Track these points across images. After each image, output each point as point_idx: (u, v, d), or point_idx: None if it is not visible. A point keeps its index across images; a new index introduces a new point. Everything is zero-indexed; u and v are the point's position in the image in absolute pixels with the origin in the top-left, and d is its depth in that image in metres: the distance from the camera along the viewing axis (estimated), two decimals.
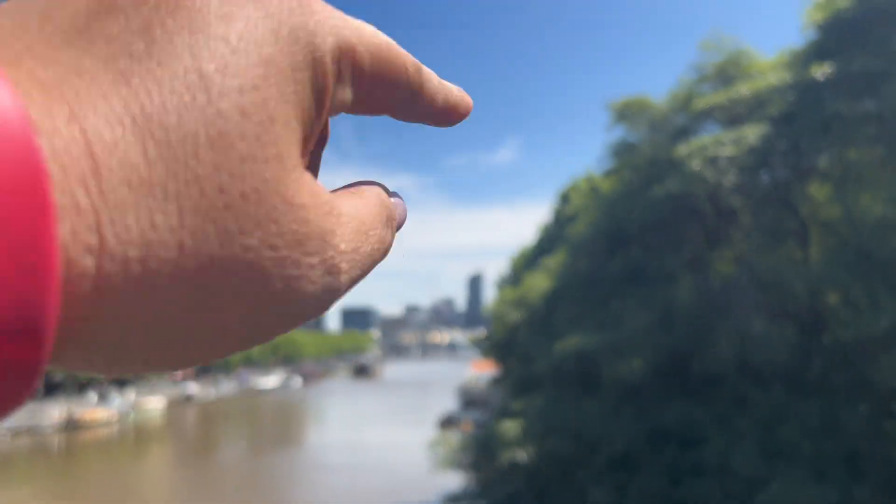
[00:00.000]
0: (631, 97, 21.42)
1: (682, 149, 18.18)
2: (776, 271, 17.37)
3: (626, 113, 21.26)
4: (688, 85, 20.57)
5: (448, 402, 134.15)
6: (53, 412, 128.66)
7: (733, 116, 18.74)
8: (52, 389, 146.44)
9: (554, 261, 24.79)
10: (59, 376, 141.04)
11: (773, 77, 18.74)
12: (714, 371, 17.53)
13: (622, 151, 21.99)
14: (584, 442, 17.07)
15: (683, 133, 19.65)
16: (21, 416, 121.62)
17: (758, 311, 17.10)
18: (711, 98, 18.98)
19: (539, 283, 24.49)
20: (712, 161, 17.57)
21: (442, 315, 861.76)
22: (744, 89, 18.48)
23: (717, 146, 17.60)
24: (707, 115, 19.31)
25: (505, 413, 20.49)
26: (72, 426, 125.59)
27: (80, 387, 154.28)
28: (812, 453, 15.22)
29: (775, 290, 17.84)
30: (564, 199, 70.49)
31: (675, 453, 16.64)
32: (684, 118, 20.16)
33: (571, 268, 22.54)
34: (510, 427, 18.24)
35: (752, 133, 17.49)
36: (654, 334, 17.57)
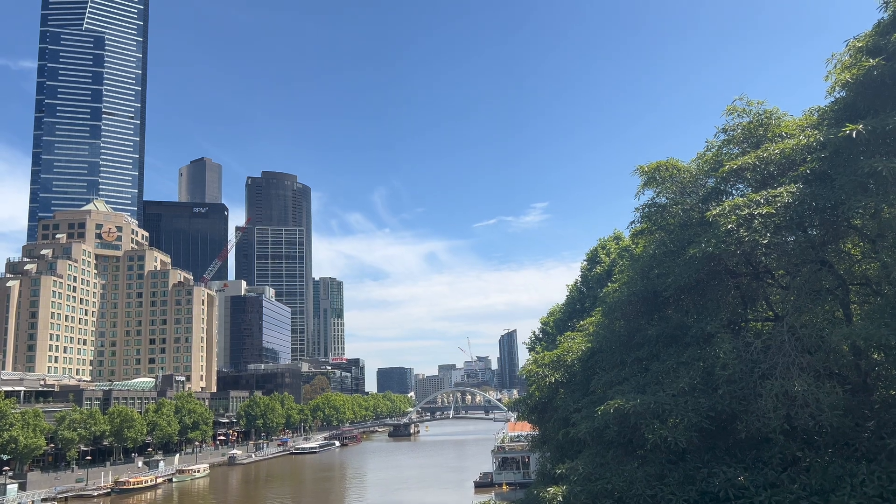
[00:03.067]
0: (660, 161, 21.76)
1: (715, 209, 18.34)
2: (817, 330, 17.18)
3: (656, 176, 21.57)
4: (716, 147, 20.86)
5: (484, 463, 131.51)
6: (101, 478, 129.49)
7: (764, 177, 18.89)
8: (100, 455, 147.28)
9: (590, 322, 24.79)
10: (107, 443, 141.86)
11: (803, 136, 18.96)
12: (761, 433, 17.22)
13: (653, 213, 22.20)
14: None
15: (714, 194, 19.84)
16: (70, 482, 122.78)
17: (802, 371, 16.83)
18: (741, 159, 19.20)
19: (576, 345, 24.43)
20: (746, 220, 17.65)
21: (476, 375, 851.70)
22: (773, 150, 18.70)
23: (750, 206, 17.71)
24: (737, 175, 19.50)
25: (546, 477, 20.22)
26: (118, 490, 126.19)
27: (127, 452, 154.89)
28: None
29: (818, 350, 17.61)
30: (592, 259, 69.95)
31: None
32: (714, 180, 20.37)
33: (608, 329, 22.52)
34: (554, 493, 18.03)
35: (787, 192, 17.60)
36: (696, 396, 17.41)
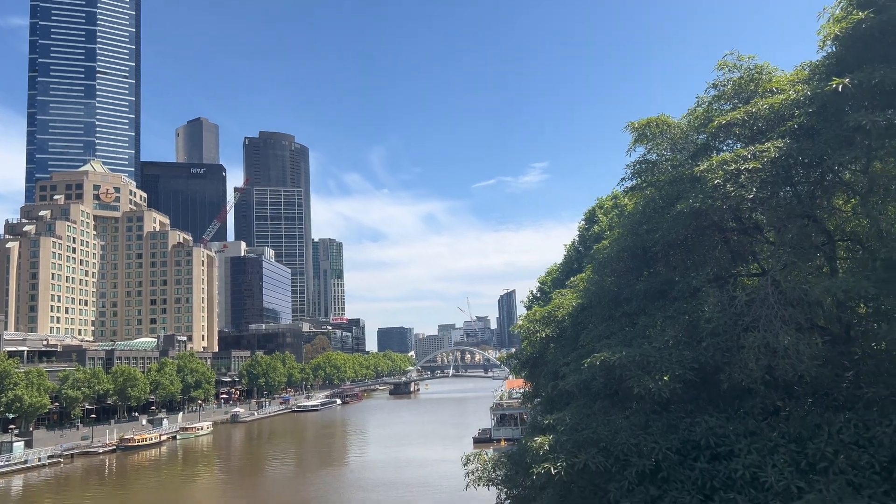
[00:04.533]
0: (651, 117, 21.76)
1: (703, 165, 18.43)
2: (800, 284, 17.46)
3: (647, 132, 21.59)
4: (706, 103, 20.83)
5: (483, 419, 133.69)
6: (106, 435, 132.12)
7: (753, 132, 18.93)
8: (104, 414, 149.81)
9: (581, 279, 25.08)
10: (111, 401, 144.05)
11: (793, 92, 18.93)
12: (743, 385, 17.65)
13: (643, 170, 22.29)
14: (615, 456, 17.29)
15: (704, 150, 19.90)
16: (76, 439, 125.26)
17: (785, 324, 17.16)
18: (730, 114, 19.21)
19: (567, 301, 24.76)
20: (734, 176, 17.76)
21: (475, 334, 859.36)
22: (763, 105, 18.68)
23: (737, 161, 17.78)
24: (727, 131, 19.52)
25: (536, 429, 20.76)
26: (123, 447, 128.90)
27: (131, 411, 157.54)
28: (847, 466, 15.23)
29: (802, 304, 17.92)
30: (590, 219, 70.15)
31: (706, 467, 16.75)
32: (704, 135, 20.40)
33: (598, 285, 22.83)
34: (541, 442, 18.52)
35: (774, 147, 17.66)
36: (681, 349, 17.78)
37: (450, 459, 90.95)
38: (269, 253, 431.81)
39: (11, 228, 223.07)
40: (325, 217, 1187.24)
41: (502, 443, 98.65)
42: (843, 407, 16.58)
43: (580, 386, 19.15)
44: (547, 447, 17.87)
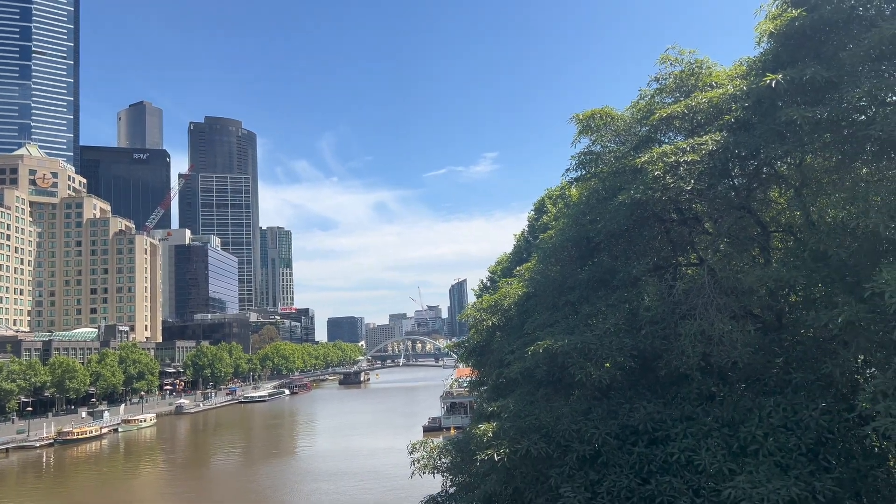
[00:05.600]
0: (595, 109, 22.08)
1: (644, 156, 18.82)
2: (735, 273, 18.05)
3: (591, 124, 21.90)
4: (649, 96, 21.24)
5: (434, 408, 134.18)
6: (43, 429, 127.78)
7: (693, 125, 19.42)
8: (41, 406, 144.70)
9: (527, 268, 25.36)
10: (48, 394, 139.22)
11: (731, 86, 19.48)
12: (680, 371, 18.19)
13: (588, 161, 22.63)
14: (557, 442, 17.62)
15: (646, 142, 20.31)
16: (11, 433, 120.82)
17: (721, 312, 17.72)
18: (671, 107, 19.64)
19: (513, 290, 25.02)
20: (673, 168, 18.19)
21: (427, 324, 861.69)
22: (702, 99, 19.16)
23: (676, 153, 18.21)
24: (667, 124, 19.97)
25: (481, 416, 20.96)
26: (62, 441, 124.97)
27: (71, 403, 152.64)
28: (775, 448, 15.88)
29: (737, 293, 18.54)
30: (539, 209, 71.05)
31: (644, 451, 17.22)
32: (646, 128, 20.81)
33: (543, 275, 23.13)
34: (485, 430, 18.73)
35: (712, 140, 18.15)
36: (621, 336, 18.19)
37: (399, 449, 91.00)
38: (215, 241, 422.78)
39: None
40: (273, 205, 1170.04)
41: (452, 431, 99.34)
42: (773, 391, 17.24)
43: (524, 373, 19.41)
44: (490, 434, 18.08)
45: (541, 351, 18.30)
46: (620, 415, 17.77)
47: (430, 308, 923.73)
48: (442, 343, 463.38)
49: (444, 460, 21.79)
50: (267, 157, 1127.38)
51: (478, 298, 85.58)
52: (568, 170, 23.38)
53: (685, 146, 18.10)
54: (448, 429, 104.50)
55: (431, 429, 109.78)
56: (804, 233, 20.06)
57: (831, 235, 17.95)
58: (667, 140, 21.01)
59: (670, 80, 21.18)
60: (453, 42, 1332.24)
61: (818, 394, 16.54)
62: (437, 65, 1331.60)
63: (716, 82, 20.43)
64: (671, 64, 21.20)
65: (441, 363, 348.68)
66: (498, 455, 17.22)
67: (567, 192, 63.09)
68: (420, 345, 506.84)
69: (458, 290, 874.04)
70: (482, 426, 18.62)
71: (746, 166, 19.36)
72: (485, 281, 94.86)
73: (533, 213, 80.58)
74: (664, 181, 17.54)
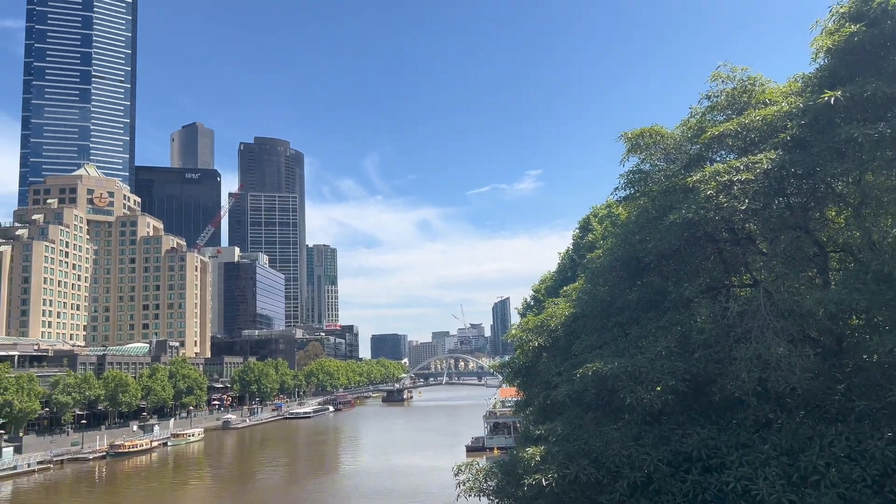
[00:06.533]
0: (644, 127, 21.79)
1: (696, 175, 18.45)
2: (793, 295, 17.46)
3: (640, 143, 21.61)
4: (699, 114, 20.87)
5: (476, 427, 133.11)
6: (96, 441, 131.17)
7: (746, 143, 18.96)
8: (95, 420, 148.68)
9: (574, 288, 25.03)
10: (102, 407, 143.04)
11: (785, 103, 18.99)
12: (735, 396, 17.61)
13: (637, 180, 22.30)
14: (607, 467, 17.21)
15: (697, 161, 19.93)
16: (66, 445, 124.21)
17: (777, 336, 17.14)
18: (723, 125, 19.25)
19: (560, 310, 24.70)
20: (726, 187, 17.78)
21: (469, 342, 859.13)
22: (756, 116, 18.73)
23: (730, 172, 17.81)
24: (719, 142, 19.57)
25: (528, 439, 20.65)
26: (114, 454, 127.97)
27: (122, 417, 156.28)
28: (838, 480, 15.18)
29: (795, 316, 17.91)
30: (584, 227, 70.24)
31: (697, 479, 16.68)
32: (697, 146, 20.43)
33: (591, 295, 22.79)
34: (533, 453, 18.43)
35: (766, 158, 17.70)
36: (673, 360, 17.74)
37: (443, 468, 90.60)
38: (263, 259, 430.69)
39: (4, 232, 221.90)
40: (320, 223, 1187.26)
41: (495, 451, 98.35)
42: (834, 419, 16.56)
43: (572, 396, 19.09)
44: (538, 458, 17.78)
45: (590, 374, 17.98)
46: (673, 440, 17.29)
47: (473, 326, 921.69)
48: (485, 362, 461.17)
49: (489, 483, 21.50)
50: (314, 177, 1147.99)
51: (522, 317, 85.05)
52: (616, 188, 23.10)
53: (739, 165, 17.69)
54: (491, 449, 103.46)
55: (475, 449, 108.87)
56: (865, 253, 19.34)
57: (895, 256, 17.26)
58: (718, 159, 20.59)
59: (722, 97, 20.78)
60: (496, 61, 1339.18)
61: (883, 423, 15.82)
62: (479, 83, 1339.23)
63: (769, 99, 19.96)
64: (723, 81, 20.82)
65: (484, 382, 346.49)
66: (546, 480, 16.91)
67: (614, 211, 62.35)
68: (463, 363, 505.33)
69: (501, 309, 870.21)
70: (529, 449, 18.33)
71: (803, 185, 18.79)
72: (528, 300, 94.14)
73: (578, 231, 79.81)
74: (717, 200, 17.16)
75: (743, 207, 17.10)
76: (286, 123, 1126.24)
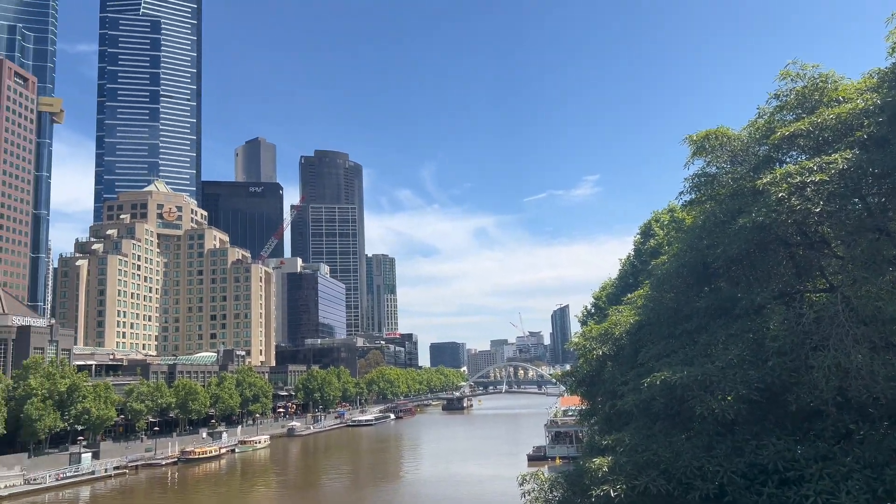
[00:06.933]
0: (710, 129, 21.22)
1: (766, 177, 17.84)
2: (873, 300, 16.65)
3: (705, 145, 21.05)
4: (768, 114, 20.18)
5: (537, 436, 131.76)
6: (168, 448, 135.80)
7: (818, 143, 18.23)
8: (167, 427, 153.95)
9: (638, 295, 24.52)
10: (173, 414, 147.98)
11: (861, 100, 18.19)
12: (812, 406, 16.90)
13: (703, 183, 21.72)
14: (677, 479, 16.75)
15: (766, 163, 19.27)
16: (140, 451, 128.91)
17: (858, 343, 16.38)
18: (794, 125, 18.57)
19: (624, 318, 24.24)
20: (799, 189, 17.13)
21: (528, 350, 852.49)
22: (829, 115, 18.00)
23: (802, 173, 17.15)
24: (790, 143, 18.86)
25: (594, 449, 20.30)
26: (185, 460, 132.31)
27: (192, 424, 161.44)
28: None
29: (876, 322, 17.08)
30: (646, 232, 68.80)
31: (774, 492, 16.07)
32: (766, 147, 19.76)
33: (657, 302, 22.27)
34: (600, 464, 18.11)
35: (842, 158, 16.98)
36: (745, 368, 17.14)
37: (505, 477, 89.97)
38: (325, 269, 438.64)
39: (81, 247, 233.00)
40: (378, 233, 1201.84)
41: (557, 461, 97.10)
42: None
43: (639, 406, 18.67)
44: (606, 469, 17.45)
45: (658, 383, 17.56)
46: (747, 452, 16.70)
47: (532, 334, 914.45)
48: (545, 370, 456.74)
49: (555, 493, 21.21)
50: (372, 187, 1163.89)
51: (582, 325, 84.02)
52: (681, 193, 22.55)
53: (812, 165, 17.03)
54: (553, 458, 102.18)
55: (536, 458, 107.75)
56: None
57: None
58: (789, 160, 19.86)
59: (791, 96, 20.04)
60: (551, 68, 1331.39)
61: None
62: (533, 89, 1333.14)
63: (843, 97, 19.14)
64: (792, 80, 20.08)
65: (544, 391, 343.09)
66: (614, 491, 16.58)
67: (677, 216, 60.97)
68: (522, 371, 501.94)
69: (560, 316, 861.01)
70: (596, 460, 18.02)
71: (882, 185, 17.94)
72: (589, 307, 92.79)
73: (639, 236, 78.29)
74: (789, 203, 16.55)
75: (817, 210, 16.44)
76: (344, 136, 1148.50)
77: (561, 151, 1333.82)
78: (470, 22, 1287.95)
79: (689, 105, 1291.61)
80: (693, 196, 22.71)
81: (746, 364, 17.18)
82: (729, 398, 16.86)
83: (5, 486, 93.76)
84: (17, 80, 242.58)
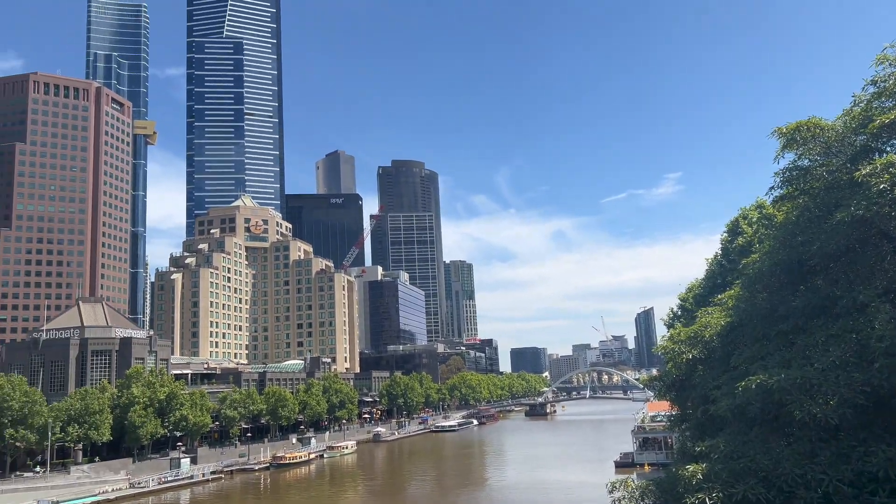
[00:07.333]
0: (801, 121, 20.24)
1: (865, 168, 16.90)
2: None
3: (796, 137, 20.09)
4: (864, 101, 19.09)
5: (624, 443, 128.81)
6: (260, 453, 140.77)
7: None
8: (258, 432, 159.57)
9: (729, 296, 23.61)
10: (264, 421, 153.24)
11: None
12: None
13: (795, 177, 20.73)
14: (778, 487, 16.04)
15: (864, 153, 18.23)
16: (234, 457, 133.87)
17: None
18: (894, 113, 17.50)
19: (714, 319, 23.40)
20: None
21: (612, 354, 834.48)
22: None
23: None
24: (890, 131, 17.79)
25: (686, 456, 19.68)
26: (276, 465, 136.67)
27: (282, 430, 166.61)
28: None
29: None
30: (733, 230, 66.23)
31: (886, 502, 15.16)
32: (863, 137, 18.70)
33: (749, 302, 21.40)
34: (694, 471, 17.57)
35: None
36: (849, 370, 16.26)
37: (592, 484, 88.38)
38: (404, 276, 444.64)
39: (175, 261, 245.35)
40: (455, 239, 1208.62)
41: (646, 468, 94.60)
42: None
43: (734, 411, 18.00)
44: (700, 476, 16.92)
45: (753, 386, 16.89)
46: (854, 459, 15.81)
47: (615, 338, 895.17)
48: (630, 375, 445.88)
49: (646, 501, 20.73)
50: (448, 194, 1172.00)
51: (668, 328, 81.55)
52: (771, 188, 21.61)
53: None
54: (642, 465, 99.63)
55: (623, 464, 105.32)
56: None
57: None
58: (889, 149, 18.73)
59: (890, 81, 18.90)
60: (628, 67, 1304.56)
61: None
62: (610, 87, 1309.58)
63: None
64: (890, 64, 18.94)
65: (630, 396, 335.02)
66: (710, 499, 16.05)
67: (767, 212, 58.38)
68: (606, 376, 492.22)
69: (644, 319, 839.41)
70: (690, 467, 17.49)
71: None
72: (675, 309, 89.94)
73: (726, 234, 75.29)
74: (893, 194, 15.62)
75: None
76: (420, 145, 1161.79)
77: (640, 150, 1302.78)
78: (545, 25, 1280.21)
79: (775, 97, 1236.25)
80: (784, 191, 21.73)
81: (850, 366, 16.28)
82: (832, 402, 16.02)
83: (113, 490, 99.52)
84: (115, 106, 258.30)
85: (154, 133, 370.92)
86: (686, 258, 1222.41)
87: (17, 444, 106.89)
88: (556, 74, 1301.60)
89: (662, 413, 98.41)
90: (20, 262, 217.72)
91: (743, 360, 19.46)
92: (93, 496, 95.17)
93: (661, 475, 22.04)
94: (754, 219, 69.05)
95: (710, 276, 76.12)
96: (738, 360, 19.84)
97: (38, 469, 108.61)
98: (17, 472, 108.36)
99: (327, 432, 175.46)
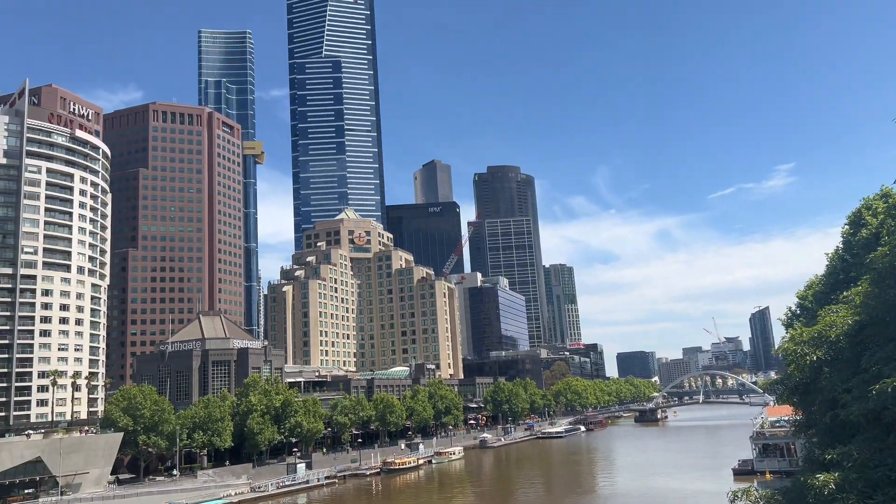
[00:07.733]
0: None
1: None
2: None
3: None
4: None
5: (741, 449, 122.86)
6: (371, 459, 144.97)
7: None
8: (367, 438, 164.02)
9: (856, 293, 22.04)
10: (373, 427, 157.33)
11: None
12: None
13: None
14: None
15: None
16: (346, 462, 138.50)
17: None
18: None
19: (840, 318, 21.93)
20: None
21: (725, 357, 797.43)
22: None
23: None
24: None
25: (814, 463, 18.52)
26: (386, 470, 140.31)
27: (390, 436, 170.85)
28: None
29: None
30: (855, 222, 61.75)
31: None
32: None
33: (880, 299, 19.92)
34: (825, 480, 16.53)
35: None
36: None
37: (709, 492, 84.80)
38: (504, 282, 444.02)
39: (285, 274, 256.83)
40: (554, 243, 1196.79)
41: (767, 476, 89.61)
42: None
43: (868, 416, 16.82)
44: (833, 486, 15.91)
45: (889, 389, 15.73)
46: None
47: (729, 340, 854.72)
48: (745, 378, 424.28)
49: None
50: (545, 198, 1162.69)
51: (787, 328, 77.14)
52: None
53: None
54: (762, 473, 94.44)
55: (742, 472, 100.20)
56: None
57: None
58: None
59: None
60: (731, 54, 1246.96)
61: None
62: (711, 77, 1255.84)
63: None
64: None
65: (746, 400, 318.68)
66: None
67: (894, 201, 54.13)
68: (720, 380, 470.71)
69: (759, 319, 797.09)
70: (821, 476, 16.49)
71: None
72: (794, 308, 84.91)
73: (847, 227, 70.39)
74: None
75: None
76: (515, 150, 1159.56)
77: (747, 142, 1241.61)
78: (636, 27, 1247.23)
79: (887, 78, 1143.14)
80: None
81: None
82: None
83: (236, 493, 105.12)
84: (225, 129, 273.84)
85: (262, 153, 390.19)
86: (803, 254, 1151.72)
87: (150, 449, 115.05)
88: (651, 65, 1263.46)
89: (784, 418, 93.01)
90: (146, 280, 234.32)
91: (875, 362, 18.13)
92: (218, 499, 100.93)
93: (786, 484, 20.88)
94: (880, 209, 64.15)
95: (832, 272, 71.27)
96: (869, 361, 18.51)
97: (175, 472, 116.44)
98: (150, 476, 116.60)
99: (434, 438, 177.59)
